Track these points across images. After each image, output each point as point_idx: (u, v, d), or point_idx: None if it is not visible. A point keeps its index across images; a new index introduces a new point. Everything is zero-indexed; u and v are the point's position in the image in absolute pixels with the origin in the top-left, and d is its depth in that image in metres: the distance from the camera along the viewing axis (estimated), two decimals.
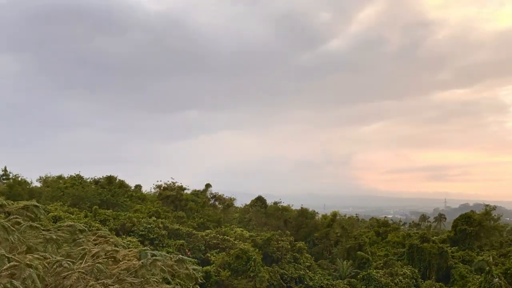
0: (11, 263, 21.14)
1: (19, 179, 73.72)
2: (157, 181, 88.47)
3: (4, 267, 20.93)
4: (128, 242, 48.29)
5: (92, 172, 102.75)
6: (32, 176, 79.64)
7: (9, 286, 19.62)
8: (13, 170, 76.10)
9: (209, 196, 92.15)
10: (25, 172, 76.16)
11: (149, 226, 59.36)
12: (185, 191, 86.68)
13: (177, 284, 34.33)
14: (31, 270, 21.00)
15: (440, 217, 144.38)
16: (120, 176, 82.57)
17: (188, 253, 57.03)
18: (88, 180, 78.88)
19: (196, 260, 55.00)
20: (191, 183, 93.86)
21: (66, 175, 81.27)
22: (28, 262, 21.56)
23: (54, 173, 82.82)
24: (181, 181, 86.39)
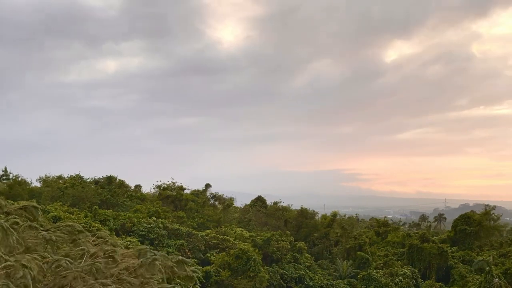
0: (6, 263, 21.14)
1: (19, 179, 73.70)
2: (157, 181, 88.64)
3: (0, 266, 20.94)
4: (128, 242, 48.30)
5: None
6: (32, 176, 79.59)
7: (5, 287, 19.62)
8: (13, 171, 76.17)
9: (209, 196, 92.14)
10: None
11: (149, 226, 59.33)
12: (185, 191, 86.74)
13: (177, 284, 34.29)
14: (26, 270, 21.00)
15: (440, 217, 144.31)
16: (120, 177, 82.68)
17: (188, 253, 56.99)
18: (88, 180, 78.82)
19: (196, 260, 55.06)
20: (190, 183, 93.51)
21: (66, 175, 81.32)
22: (24, 263, 21.55)
23: (54, 173, 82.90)
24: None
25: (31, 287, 21.26)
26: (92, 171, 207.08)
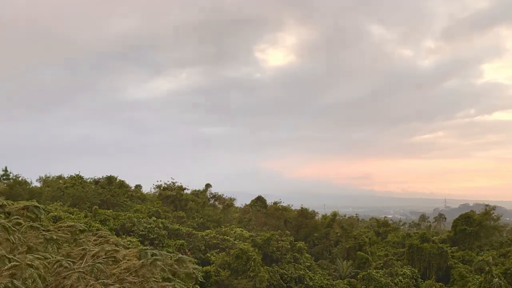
0: (12, 263, 21.18)
1: (20, 179, 73.74)
2: (157, 181, 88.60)
3: (5, 267, 20.96)
4: (128, 242, 48.32)
5: None
6: (32, 176, 79.66)
7: (10, 285, 19.65)
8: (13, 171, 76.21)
9: (209, 196, 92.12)
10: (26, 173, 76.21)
11: (149, 226, 59.38)
12: (185, 191, 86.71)
13: (177, 284, 34.35)
14: (32, 270, 21.05)
15: (440, 217, 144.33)
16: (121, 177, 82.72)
17: (188, 253, 57.03)
18: (88, 180, 78.83)
19: (196, 260, 55.09)
20: (190, 183, 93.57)
21: (66, 175, 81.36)
22: (28, 262, 21.60)
23: (54, 173, 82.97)
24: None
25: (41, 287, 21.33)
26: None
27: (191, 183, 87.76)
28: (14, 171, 74.84)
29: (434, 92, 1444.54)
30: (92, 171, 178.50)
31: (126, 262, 27.39)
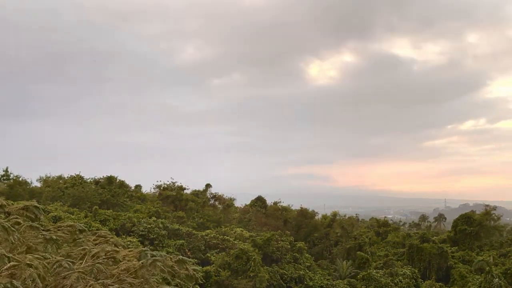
0: (12, 263, 21.16)
1: (20, 179, 73.80)
2: (157, 181, 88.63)
3: (5, 267, 20.95)
4: (128, 242, 48.35)
5: None
6: (32, 176, 79.70)
7: (9, 286, 19.64)
8: (14, 171, 76.28)
9: (209, 196, 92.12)
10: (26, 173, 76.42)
11: (149, 226, 59.39)
12: (185, 191, 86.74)
13: (176, 285, 34.35)
14: (32, 270, 21.03)
15: (440, 217, 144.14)
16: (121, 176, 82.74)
17: (188, 253, 57.04)
18: (88, 180, 78.86)
19: (196, 260, 55.09)
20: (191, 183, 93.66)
21: (66, 175, 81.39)
22: (28, 262, 21.58)
23: (55, 173, 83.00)
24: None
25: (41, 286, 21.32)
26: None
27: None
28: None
29: (446, 103, 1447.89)
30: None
31: (126, 263, 27.38)
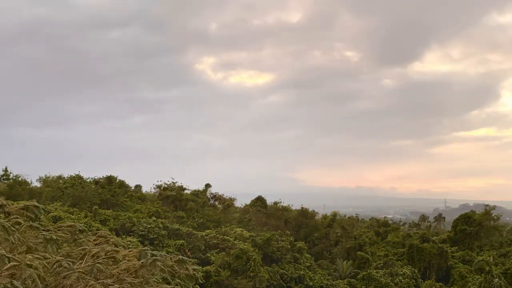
0: (12, 263, 21.16)
1: (20, 179, 73.78)
2: (157, 181, 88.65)
3: (5, 267, 20.95)
4: (128, 242, 48.33)
5: None
6: (32, 176, 79.69)
7: (9, 286, 19.63)
8: (13, 171, 76.27)
9: (209, 196, 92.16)
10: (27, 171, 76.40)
11: (149, 226, 59.38)
12: (185, 191, 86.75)
13: (177, 285, 34.35)
14: (32, 270, 21.02)
15: (440, 217, 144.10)
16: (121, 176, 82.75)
17: (188, 253, 57.04)
18: (88, 180, 78.85)
19: (196, 260, 55.10)
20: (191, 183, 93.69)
21: (66, 175, 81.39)
22: (28, 262, 21.57)
23: (54, 173, 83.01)
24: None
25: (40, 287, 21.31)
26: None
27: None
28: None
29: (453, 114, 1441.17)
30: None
31: (126, 263, 27.39)
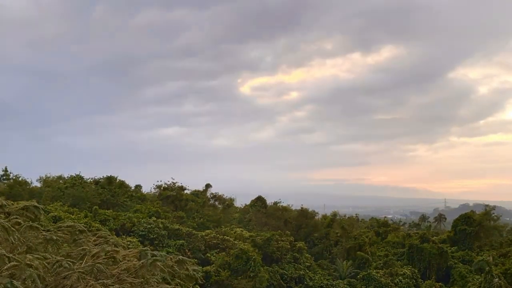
0: (12, 263, 21.17)
1: (20, 179, 73.77)
2: (157, 181, 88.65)
3: (5, 267, 20.96)
4: (128, 242, 48.31)
5: None
6: (32, 176, 79.75)
7: (9, 286, 19.64)
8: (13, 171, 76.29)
9: (209, 196, 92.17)
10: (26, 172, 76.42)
11: (149, 226, 59.37)
12: (185, 191, 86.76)
13: (177, 285, 34.36)
14: (31, 270, 21.04)
15: (440, 217, 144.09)
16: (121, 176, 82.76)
17: (188, 253, 57.04)
18: (88, 180, 78.85)
19: (196, 260, 55.11)
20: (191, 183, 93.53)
21: (66, 175, 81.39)
22: (28, 262, 21.59)
23: (54, 173, 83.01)
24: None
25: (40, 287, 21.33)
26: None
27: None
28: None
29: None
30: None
31: (126, 263, 27.41)
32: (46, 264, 23.70)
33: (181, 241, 59.28)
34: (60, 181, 79.04)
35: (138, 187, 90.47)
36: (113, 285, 24.80)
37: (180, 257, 31.59)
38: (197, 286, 43.18)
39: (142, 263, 26.80)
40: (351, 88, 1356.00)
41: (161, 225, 60.81)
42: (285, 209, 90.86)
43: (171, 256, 31.94)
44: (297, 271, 63.45)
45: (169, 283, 30.20)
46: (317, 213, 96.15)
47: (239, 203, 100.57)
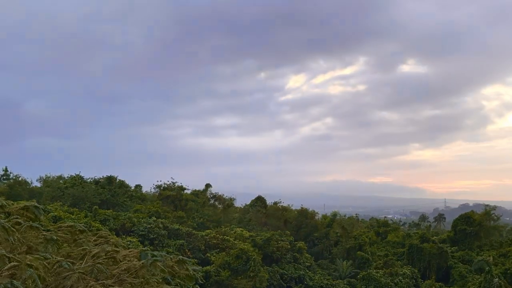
0: (12, 263, 21.17)
1: (20, 179, 73.80)
2: (157, 181, 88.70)
3: (5, 268, 20.96)
4: (128, 242, 48.33)
5: None
6: (32, 176, 79.78)
7: (9, 286, 19.64)
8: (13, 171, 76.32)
9: (209, 196, 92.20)
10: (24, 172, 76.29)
11: (149, 226, 59.37)
12: (185, 191, 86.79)
13: (177, 285, 34.35)
14: (32, 270, 21.03)
15: (440, 217, 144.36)
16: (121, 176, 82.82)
17: (188, 253, 57.05)
18: (88, 180, 78.91)
19: (196, 260, 55.12)
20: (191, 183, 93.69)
21: (66, 175, 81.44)
22: (28, 262, 21.58)
23: (56, 173, 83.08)
24: None
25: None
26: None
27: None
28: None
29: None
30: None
31: (126, 263, 27.39)
32: (46, 264, 23.67)
33: (181, 241, 59.28)
34: (60, 181, 79.09)
35: (138, 187, 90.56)
36: (113, 285, 24.79)
37: (180, 257, 31.57)
38: (197, 286, 43.18)
39: (142, 263, 26.79)
40: (367, 103, 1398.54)
41: (161, 225, 60.81)
42: (285, 209, 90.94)
43: (171, 256, 31.92)
44: (297, 271, 63.46)
45: (169, 283, 30.20)
46: (317, 213, 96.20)
47: (239, 203, 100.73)
